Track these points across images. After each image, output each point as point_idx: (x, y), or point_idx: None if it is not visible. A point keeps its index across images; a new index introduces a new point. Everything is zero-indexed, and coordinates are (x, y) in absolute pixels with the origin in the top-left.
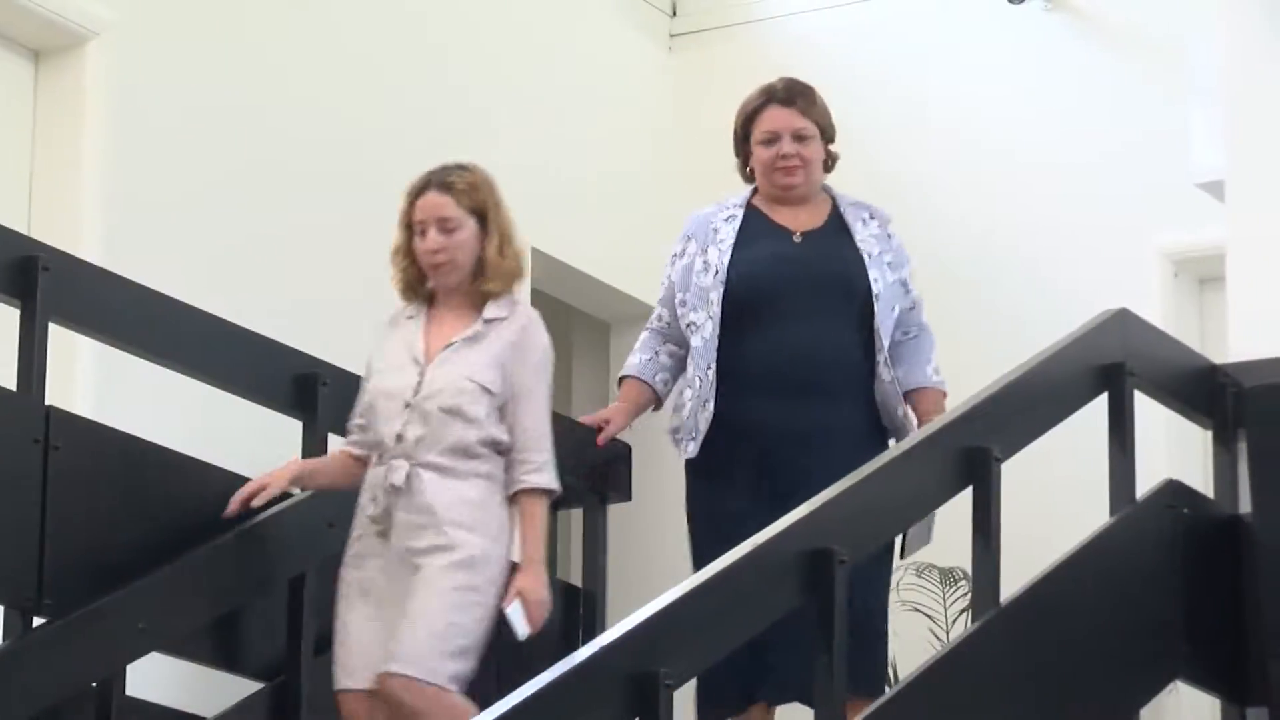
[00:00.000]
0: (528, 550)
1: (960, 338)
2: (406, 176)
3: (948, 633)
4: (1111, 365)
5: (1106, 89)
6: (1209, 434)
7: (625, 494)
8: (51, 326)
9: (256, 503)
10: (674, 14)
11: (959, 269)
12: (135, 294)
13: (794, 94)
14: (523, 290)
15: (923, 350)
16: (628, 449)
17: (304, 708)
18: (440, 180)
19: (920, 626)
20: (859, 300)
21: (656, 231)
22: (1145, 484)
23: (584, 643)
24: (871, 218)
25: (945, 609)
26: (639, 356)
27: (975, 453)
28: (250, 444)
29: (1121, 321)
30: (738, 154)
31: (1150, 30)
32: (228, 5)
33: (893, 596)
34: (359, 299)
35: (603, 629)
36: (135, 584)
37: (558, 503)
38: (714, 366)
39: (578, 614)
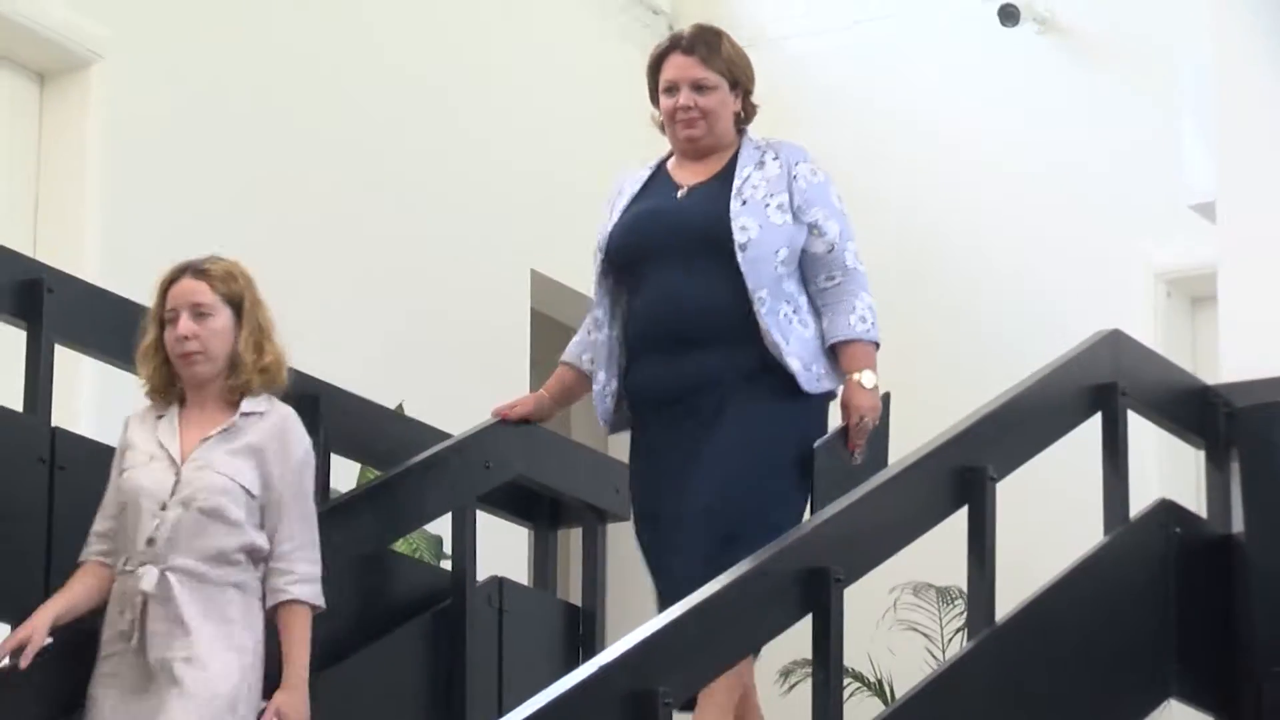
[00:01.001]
0: (292, 669)
1: (954, 357)
2: (408, 197)
3: (944, 651)
4: (1105, 385)
5: (1099, 112)
6: (1201, 453)
7: (624, 513)
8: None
9: (24, 661)
10: (670, 29)
11: (953, 289)
12: (139, 315)
13: (696, 42)
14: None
15: (846, 297)
16: (625, 467)
17: None
18: (195, 267)
19: (917, 645)
20: (725, 249)
21: None
22: (1139, 503)
23: (584, 661)
24: (775, 158)
25: (942, 628)
26: (575, 339)
27: (970, 472)
28: None
29: (1114, 342)
30: (653, 103)
31: (1142, 55)
32: (226, 29)
33: (890, 615)
34: (358, 319)
35: (602, 647)
36: None
37: (557, 521)
38: (604, 329)
39: (577, 633)
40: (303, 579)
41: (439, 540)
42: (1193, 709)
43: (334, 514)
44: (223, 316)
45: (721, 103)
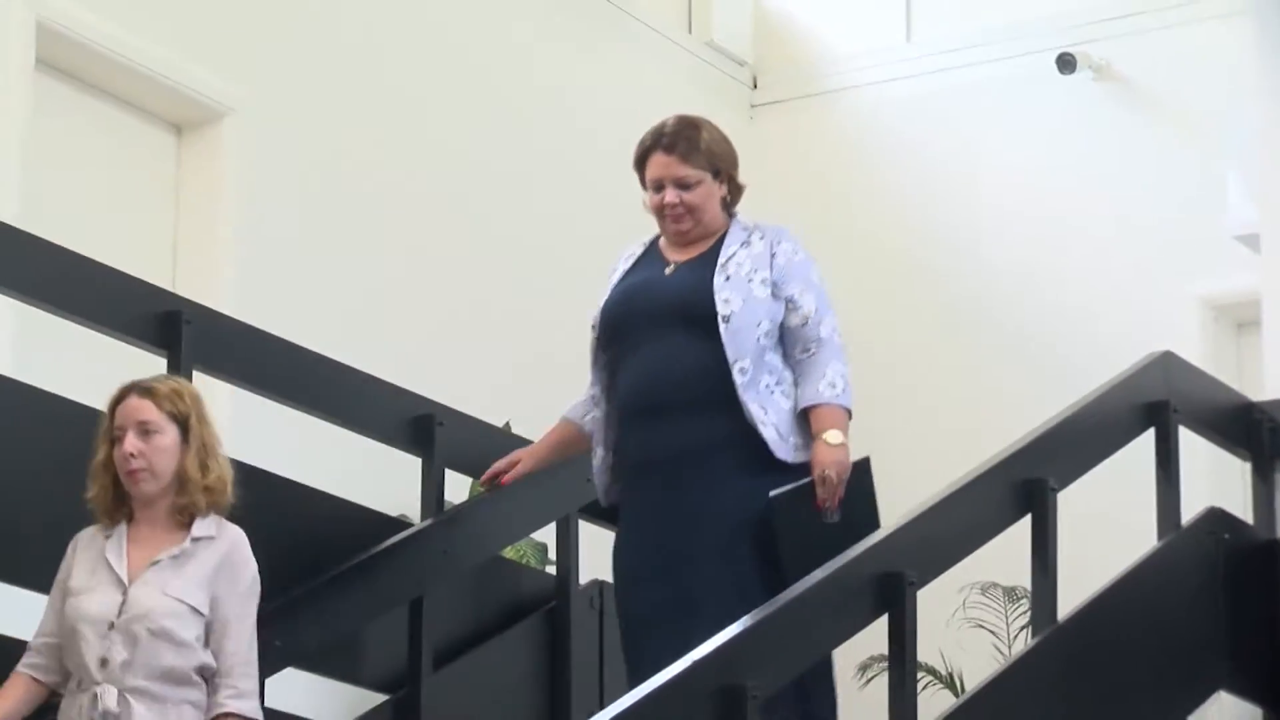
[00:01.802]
0: None
1: (1015, 379)
2: (514, 236)
3: (1009, 647)
4: (1157, 403)
5: (1149, 151)
6: (1248, 465)
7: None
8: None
9: None
10: (755, 86)
11: (1015, 316)
12: (268, 344)
13: (676, 140)
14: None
15: (818, 366)
16: None
17: (423, 717)
18: (141, 386)
19: (985, 641)
20: (708, 321)
21: None
22: (1189, 511)
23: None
24: (761, 238)
25: (1008, 625)
26: (578, 400)
27: (1033, 484)
28: (372, 478)
29: (1165, 363)
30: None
31: (1190, 98)
32: (345, 85)
33: (959, 614)
34: (470, 346)
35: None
36: (272, 605)
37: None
38: (601, 405)
39: None
40: (243, 694)
41: (544, 547)
42: (1241, 700)
43: (449, 524)
44: (169, 434)
45: (707, 195)
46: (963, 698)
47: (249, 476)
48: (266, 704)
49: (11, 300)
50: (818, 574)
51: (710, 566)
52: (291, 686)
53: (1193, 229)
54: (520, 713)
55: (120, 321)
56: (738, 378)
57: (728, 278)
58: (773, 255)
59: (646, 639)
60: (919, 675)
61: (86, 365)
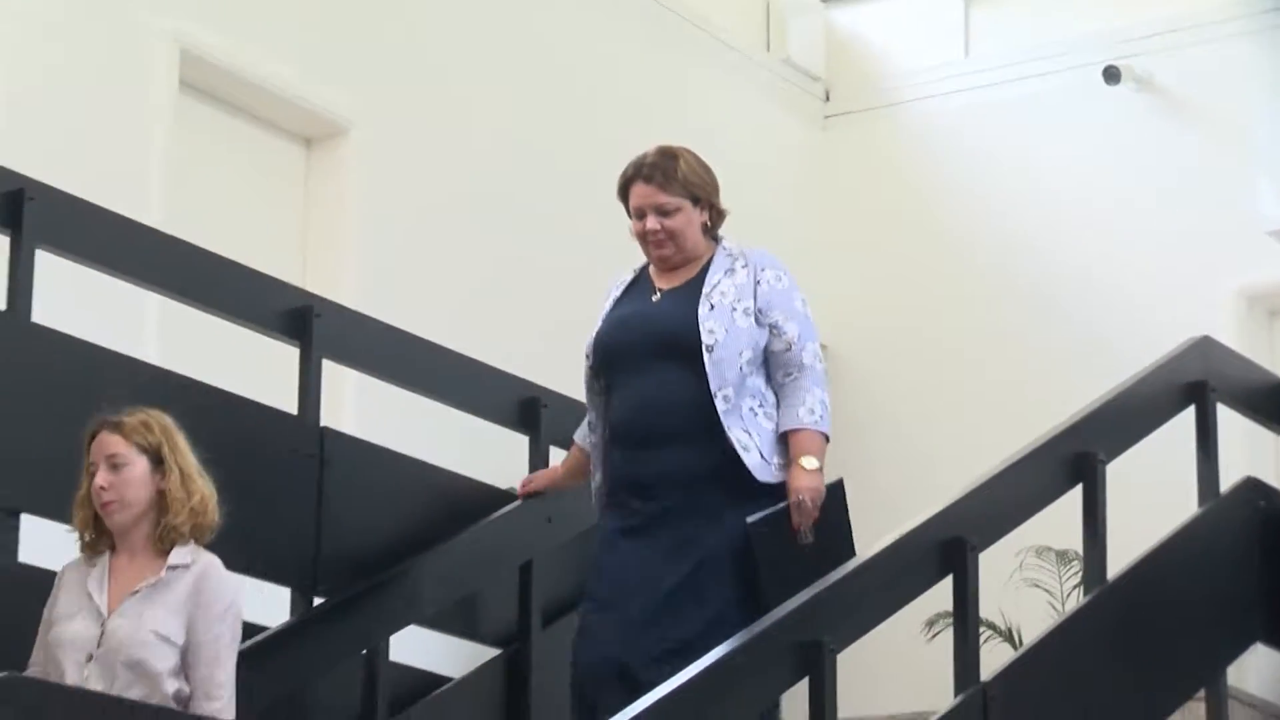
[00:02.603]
0: None
1: (1067, 362)
2: (599, 241)
3: (1063, 604)
4: (1196, 383)
5: (1188, 156)
6: None
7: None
8: (324, 363)
9: None
10: (827, 99)
11: (1065, 306)
12: (391, 335)
13: (654, 170)
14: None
15: (799, 391)
16: None
17: (533, 670)
18: (109, 421)
19: (1040, 600)
20: (694, 351)
21: (810, 265)
22: (1227, 481)
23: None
24: (745, 266)
25: (1061, 585)
26: (582, 426)
27: (1084, 457)
28: (483, 456)
29: (1204, 346)
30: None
31: (1225, 107)
32: (459, 98)
33: (1017, 575)
34: (570, 332)
35: None
36: (396, 570)
37: None
38: (597, 431)
39: None
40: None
41: None
42: (1276, 650)
43: (553, 495)
44: (138, 466)
45: (687, 221)
46: (1020, 650)
47: (375, 456)
48: (391, 658)
49: (161, 297)
50: (888, 539)
51: (689, 606)
52: (414, 643)
53: (1228, 226)
54: None
55: (257, 316)
56: (720, 405)
57: (712, 307)
58: (756, 283)
59: (609, 642)
60: (980, 630)
61: (226, 355)
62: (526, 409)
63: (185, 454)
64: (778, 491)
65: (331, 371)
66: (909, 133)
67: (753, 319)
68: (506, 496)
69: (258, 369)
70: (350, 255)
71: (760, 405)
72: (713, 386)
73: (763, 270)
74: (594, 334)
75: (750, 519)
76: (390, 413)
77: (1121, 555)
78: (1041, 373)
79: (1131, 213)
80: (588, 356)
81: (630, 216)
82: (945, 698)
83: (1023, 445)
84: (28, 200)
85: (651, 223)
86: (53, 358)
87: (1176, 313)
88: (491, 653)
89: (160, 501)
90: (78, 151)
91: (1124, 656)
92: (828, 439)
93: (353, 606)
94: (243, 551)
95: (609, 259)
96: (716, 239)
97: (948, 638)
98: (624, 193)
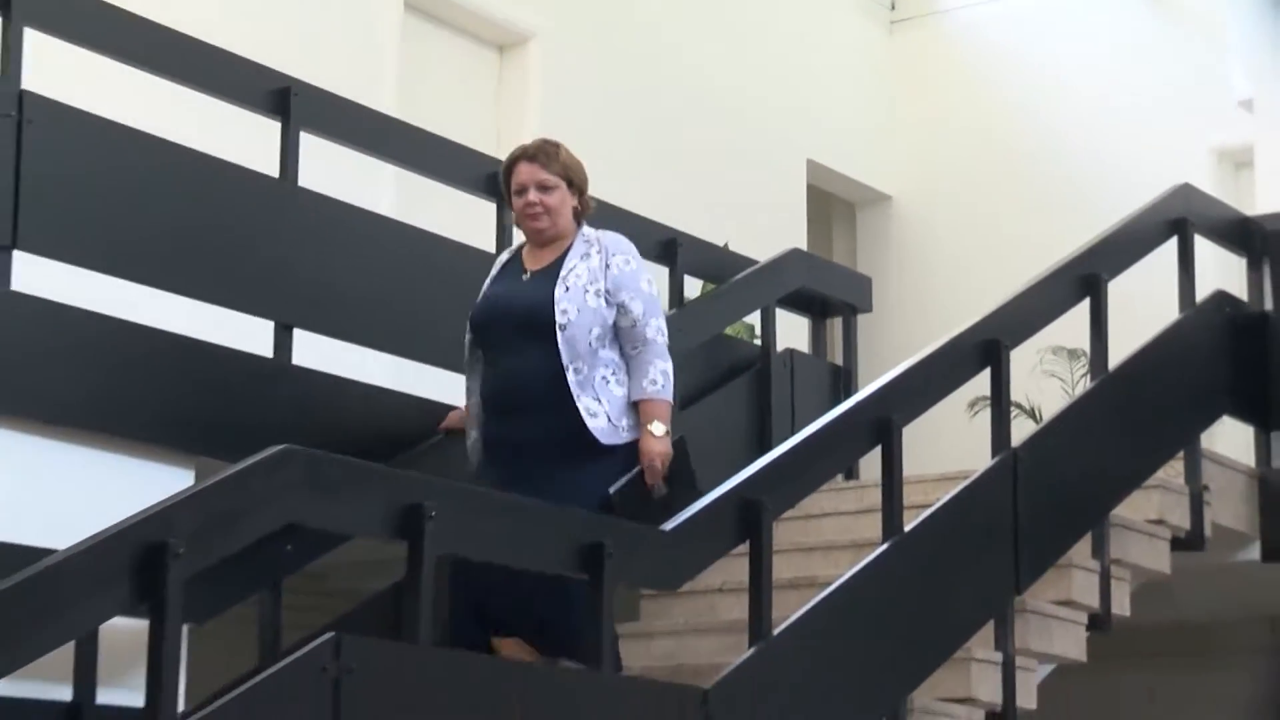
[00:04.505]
0: None
1: (1078, 210)
2: (716, 113)
3: (1073, 390)
4: (1179, 219)
5: (1173, 42)
6: (1244, 261)
7: (868, 306)
8: None
9: None
10: (893, 7)
11: (1076, 166)
12: None
13: (538, 152)
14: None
15: (642, 365)
16: (867, 280)
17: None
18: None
19: (1056, 387)
20: (547, 328)
21: (883, 140)
22: (1202, 293)
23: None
24: (599, 252)
25: (1072, 376)
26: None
27: (1091, 277)
28: None
29: (1185, 192)
30: (509, 204)
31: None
32: (630, 13)
33: (1038, 368)
34: (697, 194)
35: (854, 393)
36: None
37: (826, 313)
38: (474, 395)
39: (840, 383)
40: None
41: (752, 327)
42: (1240, 421)
43: (688, 312)
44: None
45: (561, 200)
46: (1041, 424)
47: None
48: None
49: (394, 168)
50: (943, 340)
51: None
52: None
53: (1204, 98)
54: (738, 439)
55: (465, 179)
56: (572, 378)
57: (567, 289)
58: (607, 267)
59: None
60: (1010, 409)
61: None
62: (666, 249)
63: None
64: (619, 451)
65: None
66: (960, 35)
67: (603, 299)
68: None
69: (461, 216)
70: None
71: (614, 374)
72: (565, 361)
73: (613, 255)
74: (473, 309)
75: (612, 489)
76: None
77: (1119, 351)
78: (1057, 216)
79: (1126, 91)
80: (468, 328)
81: (511, 196)
82: (984, 460)
83: (1041, 269)
84: (294, 95)
85: (532, 195)
86: (315, 212)
87: (1162, 167)
88: None
89: None
90: (329, 58)
91: (1121, 428)
92: (671, 404)
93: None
94: None
95: (722, 131)
96: (580, 225)
97: (986, 416)
98: (508, 173)
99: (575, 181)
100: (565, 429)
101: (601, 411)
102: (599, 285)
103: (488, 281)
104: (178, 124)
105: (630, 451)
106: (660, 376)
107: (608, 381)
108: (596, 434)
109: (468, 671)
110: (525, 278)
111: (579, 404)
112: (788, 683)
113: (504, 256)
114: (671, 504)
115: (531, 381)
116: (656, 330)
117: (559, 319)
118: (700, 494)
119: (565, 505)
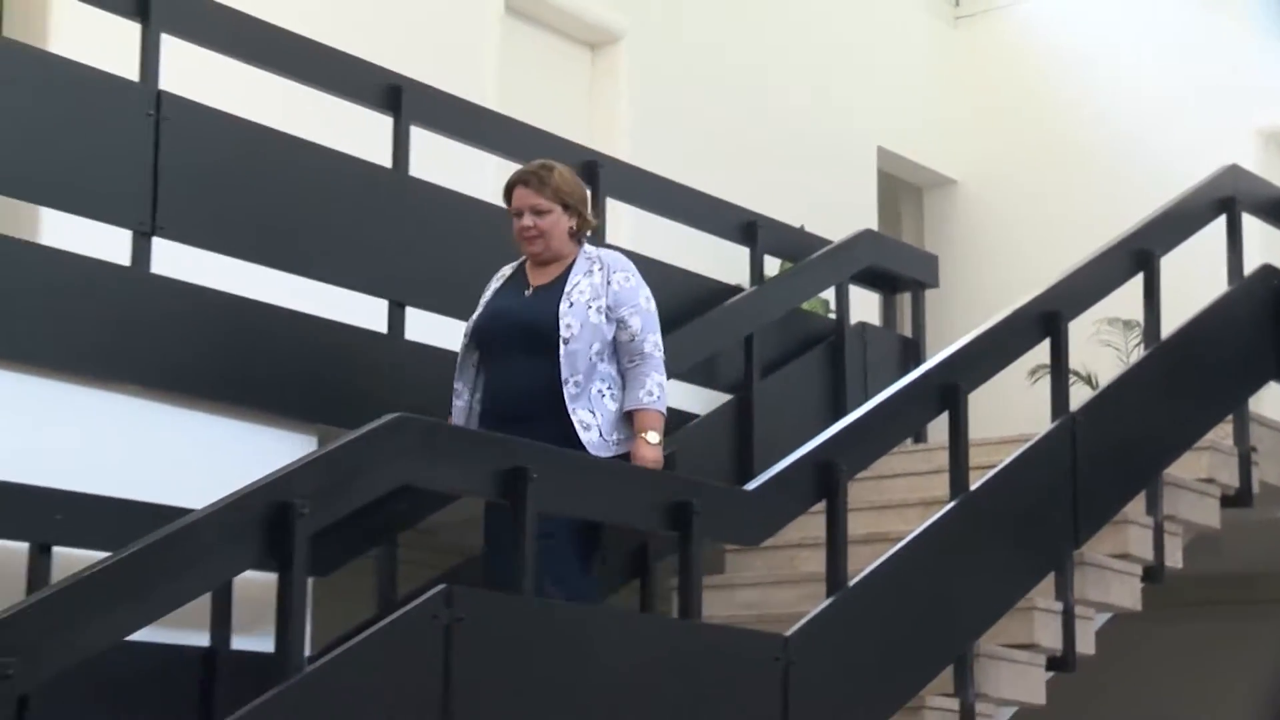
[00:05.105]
0: None
1: (1129, 192)
2: (792, 99)
3: (1128, 359)
4: (1227, 198)
5: (1224, 29)
6: None
7: (934, 281)
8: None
9: None
10: (957, 4)
11: (1131, 152)
12: (656, 180)
13: (533, 177)
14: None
15: (639, 377)
16: (933, 258)
17: (755, 416)
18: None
19: (1111, 356)
20: (550, 342)
21: (948, 128)
22: (1249, 267)
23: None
24: (600, 269)
25: (1126, 344)
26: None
27: (1144, 252)
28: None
29: (1233, 171)
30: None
31: None
32: (710, 14)
33: (1094, 337)
34: (778, 186)
35: (922, 362)
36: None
37: (895, 289)
38: (463, 397)
39: (909, 353)
40: None
41: (827, 303)
42: None
43: (768, 289)
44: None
45: (555, 223)
46: (1097, 390)
47: (653, 265)
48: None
49: (495, 158)
50: (1005, 313)
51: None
52: (674, 390)
53: (1251, 84)
54: (813, 404)
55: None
56: (569, 391)
57: (571, 304)
58: (608, 284)
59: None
60: (1069, 376)
61: None
62: (747, 231)
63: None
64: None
65: (614, 208)
66: (1018, 29)
67: (604, 315)
68: (734, 290)
69: None
70: (623, 137)
71: (609, 388)
72: (564, 374)
73: (614, 272)
74: (473, 320)
75: None
76: (658, 240)
77: (1171, 323)
78: (1111, 198)
79: (1174, 79)
80: (466, 336)
81: (511, 216)
82: (1045, 424)
83: (1096, 247)
84: (405, 92)
85: (526, 219)
86: (422, 199)
87: (1209, 150)
88: (725, 397)
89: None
90: (436, 58)
91: (1173, 393)
92: (664, 415)
93: None
94: None
95: (798, 118)
96: (580, 244)
97: (1046, 383)
98: (508, 195)
99: (571, 204)
100: (559, 439)
101: (595, 424)
102: (601, 301)
103: (489, 294)
104: (288, 119)
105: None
106: (656, 389)
107: (603, 395)
108: (589, 446)
109: (566, 620)
110: (528, 293)
111: (574, 416)
112: (862, 630)
113: (506, 270)
114: None
115: (530, 392)
116: (654, 345)
117: (563, 333)
118: None
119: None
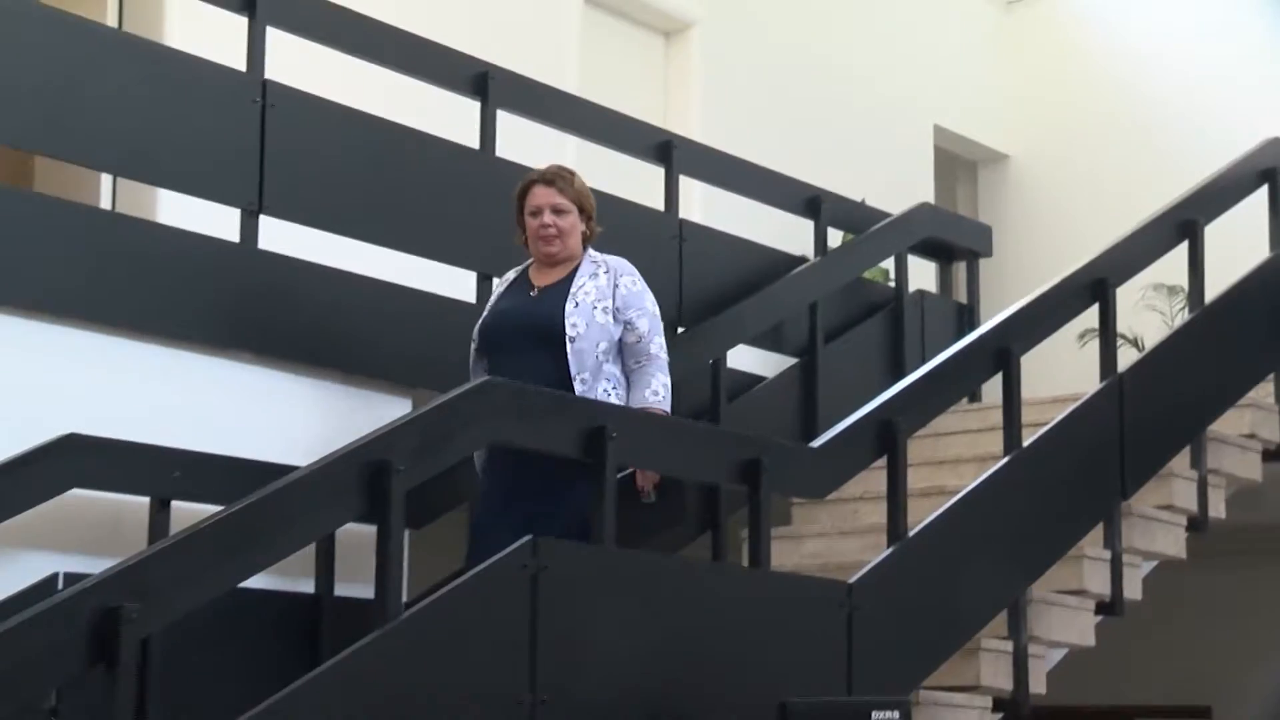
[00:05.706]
0: None
1: (1176, 169)
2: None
3: (1172, 322)
4: (1268, 169)
5: (1261, 13)
6: None
7: (987, 250)
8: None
9: None
10: None
11: (1177, 131)
12: (727, 160)
13: (553, 176)
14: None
15: (645, 377)
16: (987, 228)
17: (819, 378)
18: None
19: (1158, 320)
20: (557, 340)
21: (1002, 106)
22: None
23: (966, 335)
24: (606, 273)
25: (1170, 309)
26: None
27: (1189, 222)
28: (784, 234)
29: (1273, 145)
30: (518, 225)
31: None
32: (780, 3)
33: (1139, 302)
34: (844, 156)
35: (977, 326)
36: (730, 310)
37: (951, 258)
38: None
39: (964, 318)
40: None
41: (887, 271)
42: None
43: (831, 260)
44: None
45: (572, 224)
46: (1144, 352)
47: (718, 238)
48: (729, 365)
49: (576, 140)
50: (1056, 280)
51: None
52: (742, 357)
53: None
54: (873, 367)
55: (638, 148)
56: (578, 387)
57: (577, 305)
58: (615, 287)
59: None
60: (1116, 340)
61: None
62: (810, 204)
63: None
64: None
65: (687, 184)
66: (1069, 10)
67: (610, 316)
68: (799, 260)
69: (631, 181)
70: (695, 118)
71: (615, 387)
72: (572, 371)
73: (621, 276)
74: (481, 321)
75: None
76: (729, 212)
77: (1214, 288)
78: (1157, 172)
79: (1218, 57)
80: (474, 339)
81: (525, 217)
82: (1093, 384)
83: (1145, 216)
84: (491, 79)
85: (547, 218)
86: (507, 178)
87: (1252, 124)
88: (790, 361)
89: None
90: (520, 46)
91: (1215, 354)
92: (669, 415)
93: (703, 333)
94: None
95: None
96: (586, 250)
97: (1094, 346)
98: (523, 195)
99: (585, 208)
100: None
101: None
102: (607, 303)
103: (494, 297)
104: (383, 104)
105: None
106: (661, 388)
107: (609, 395)
108: None
109: (645, 568)
110: (534, 294)
111: None
112: (921, 578)
113: (510, 275)
114: (659, 511)
115: (540, 386)
116: (660, 347)
117: (569, 331)
118: (686, 506)
119: (557, 512)
